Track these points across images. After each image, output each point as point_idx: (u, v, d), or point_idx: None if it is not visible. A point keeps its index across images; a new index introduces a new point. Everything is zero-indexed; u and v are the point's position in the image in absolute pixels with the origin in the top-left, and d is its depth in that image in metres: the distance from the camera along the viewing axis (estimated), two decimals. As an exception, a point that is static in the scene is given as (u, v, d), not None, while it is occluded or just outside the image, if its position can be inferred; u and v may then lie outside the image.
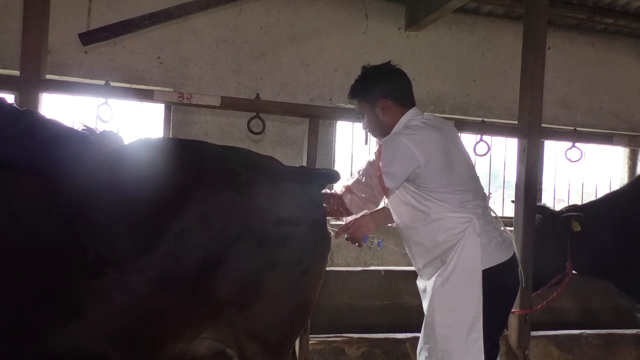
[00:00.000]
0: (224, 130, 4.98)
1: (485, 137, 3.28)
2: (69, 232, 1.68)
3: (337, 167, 5.14)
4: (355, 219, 2.37)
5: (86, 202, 1.71)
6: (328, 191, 2.20)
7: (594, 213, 3.29)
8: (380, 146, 2.16)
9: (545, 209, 3.44)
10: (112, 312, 1.68)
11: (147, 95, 2.82)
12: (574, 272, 3.26)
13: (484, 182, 5.84)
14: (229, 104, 2.84)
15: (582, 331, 3.66)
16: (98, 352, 1.70)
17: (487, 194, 2.40)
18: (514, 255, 2.28)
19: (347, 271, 4.30)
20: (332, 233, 2.23)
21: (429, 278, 2.27)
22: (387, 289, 4.21)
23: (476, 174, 2.35)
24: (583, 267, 3.31)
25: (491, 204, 6.31)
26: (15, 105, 1.77)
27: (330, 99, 5.12)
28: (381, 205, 2.39)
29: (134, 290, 1.68)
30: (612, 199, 3.54)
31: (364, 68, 2.33)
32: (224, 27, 5.00)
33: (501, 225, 2.33)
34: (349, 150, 5.49)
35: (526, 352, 3.33)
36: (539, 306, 3.32)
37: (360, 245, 2.36)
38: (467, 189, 2.21)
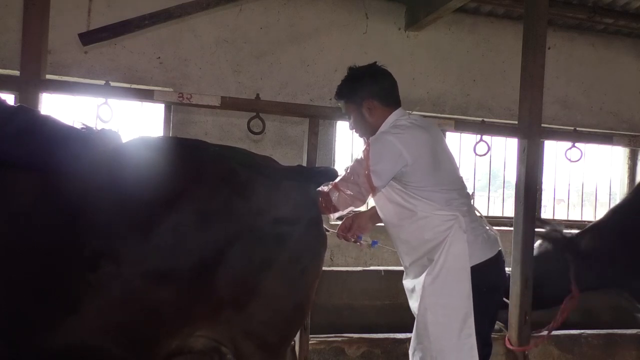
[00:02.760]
0: (224, 130, 4.99)
1: (485, 137, 3.27)
2: (69, 228, 1.68)
3: (337, 167, 5.13)
4: (354, 219, 2.38)
5: (86, 199, 1.72)
6: (319, 188, 2.21)
7: (598, 236, 3.25)
8: (367, 145, 2.17)
9: (556, 232, 3.34)
10: (109, 306, 1.68)
11: (147, 95, 2.82)
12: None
13: (484, 182, 5.92)
14: (229, 104, 2.84)
15: (582, 331, 3.66)
16: (97, 347, 1.70)
17: (470, 193, 2.41)
18: (500, 252, 2.30)
19: (347, 271, 4.31)
20: (329, 232, 2.23)
21: (415, 277, 2.29)
22: (387, 289, 4.22)
23: (460, 174, 2.38)
24: (586, 286, 3.24)
25: (491, 204, 6.31)
26: (6, 102, 1.77)
27: (330, 99, 5.09)
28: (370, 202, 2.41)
29: (131, 285, 1.69)
30: (613, 217, 3.43)
31: (350, 69, 2.35)
32: (224, 27, 5.00)
33: (485, 224, 2.35)
34: (349, 150, 5.50)
35: (526, 352, 3.33)
36: (544, 333, 3.27)
37: (356, 242, 2.37)
38: (453, 188, 2.24)
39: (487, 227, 2.33)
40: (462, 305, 2.15)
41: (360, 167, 2.14)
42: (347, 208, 2.22)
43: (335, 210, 2.20)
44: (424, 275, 2.21)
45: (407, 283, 2.39)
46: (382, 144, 2.14)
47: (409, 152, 2.11)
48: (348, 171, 2.19)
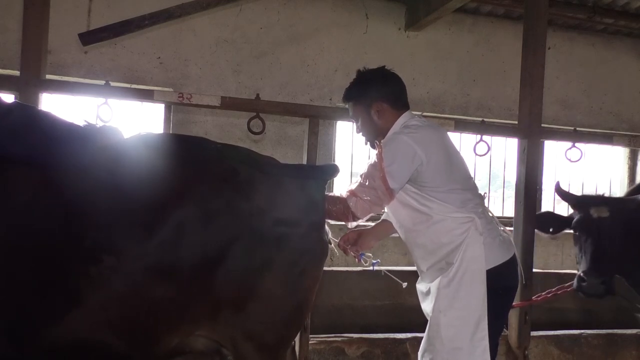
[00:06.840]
0: (224, 130, 4.99)
1: (485, 137, 3.27)
2: (69, 223, 1.69)
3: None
4: (359, 235, 2.35)
5: (86, 194, 1.72)
6: (335, 194, 2.19)
7: None
8: (380, 147, 2.14)
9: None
10: (111, 300, 1.69)
11: (147, 95, 2.82)
12: None
13: (484, 182, 5.92)
14: (229, 104, 2.84)
15: (582, 331, 3.66)
16: (99, 341, 1.71)
17: (483, 193, 2.39)
18: (514, 254, 2.28)
19: (346, 271, 4.30)
20: (332, 245, 2.20)
21: (432, 280, 2.25)
22: (387, 289, 4.20)
23: (471, 174, 2.36)
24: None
25: (491, 204, 6.31)
26: (2, 99, 1.77)
27: (330, 99, 5.11)
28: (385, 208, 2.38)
29: (132, 280, 1.70)
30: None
31: (359, 72, 2.32)
32: (224, 27, 5.00)
33: (499, 225, 2.33)
34: (349, 150, 5.50)
35: (526, 352, 3.33)
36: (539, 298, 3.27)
37: (355, 257, 2.35)
38: (467, 188, 2.22)
39: (502, 229, 2.31)
40: (476, 308, 2.13)
41: (375, 170, 2.09)
42: (366, 215, 2.16)
43: (355, 217, 2.14)
44: (439, 277, 2.20)
45: (421, 286, 2.36)
46: (395, 144, 2.12)
47: (424, 151, 2.09)
48: (363, 177, 2.14)
